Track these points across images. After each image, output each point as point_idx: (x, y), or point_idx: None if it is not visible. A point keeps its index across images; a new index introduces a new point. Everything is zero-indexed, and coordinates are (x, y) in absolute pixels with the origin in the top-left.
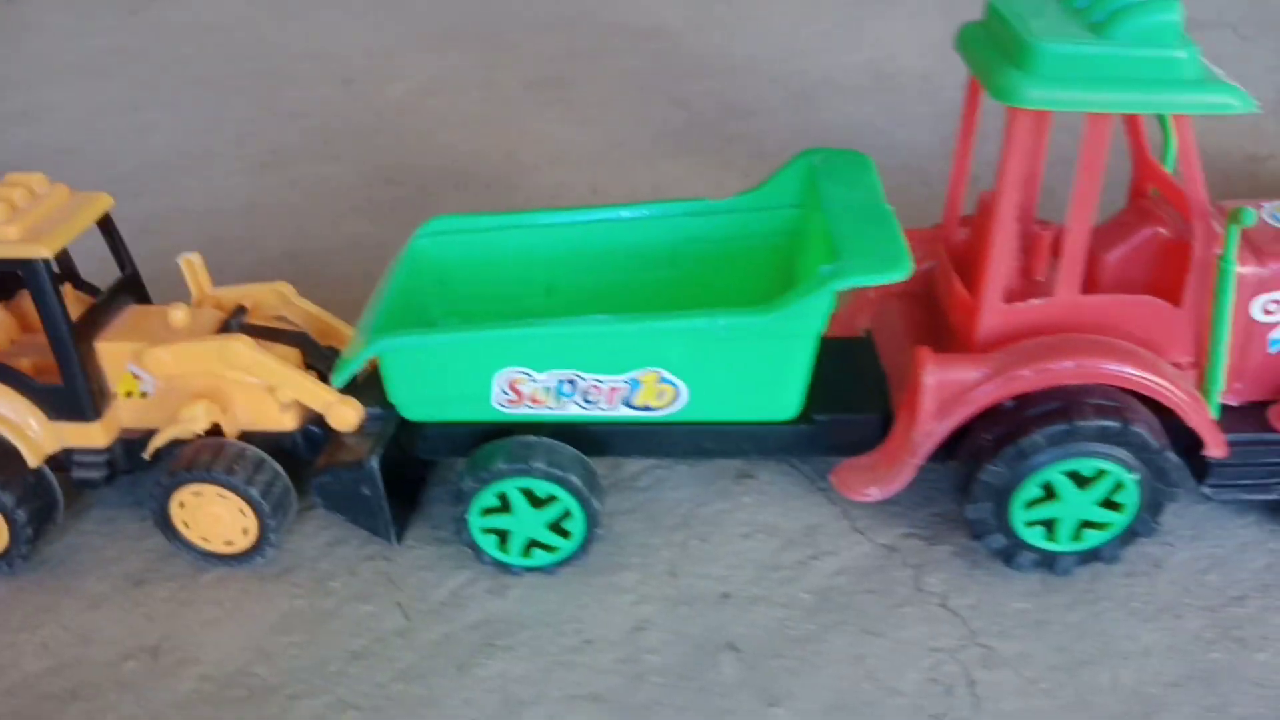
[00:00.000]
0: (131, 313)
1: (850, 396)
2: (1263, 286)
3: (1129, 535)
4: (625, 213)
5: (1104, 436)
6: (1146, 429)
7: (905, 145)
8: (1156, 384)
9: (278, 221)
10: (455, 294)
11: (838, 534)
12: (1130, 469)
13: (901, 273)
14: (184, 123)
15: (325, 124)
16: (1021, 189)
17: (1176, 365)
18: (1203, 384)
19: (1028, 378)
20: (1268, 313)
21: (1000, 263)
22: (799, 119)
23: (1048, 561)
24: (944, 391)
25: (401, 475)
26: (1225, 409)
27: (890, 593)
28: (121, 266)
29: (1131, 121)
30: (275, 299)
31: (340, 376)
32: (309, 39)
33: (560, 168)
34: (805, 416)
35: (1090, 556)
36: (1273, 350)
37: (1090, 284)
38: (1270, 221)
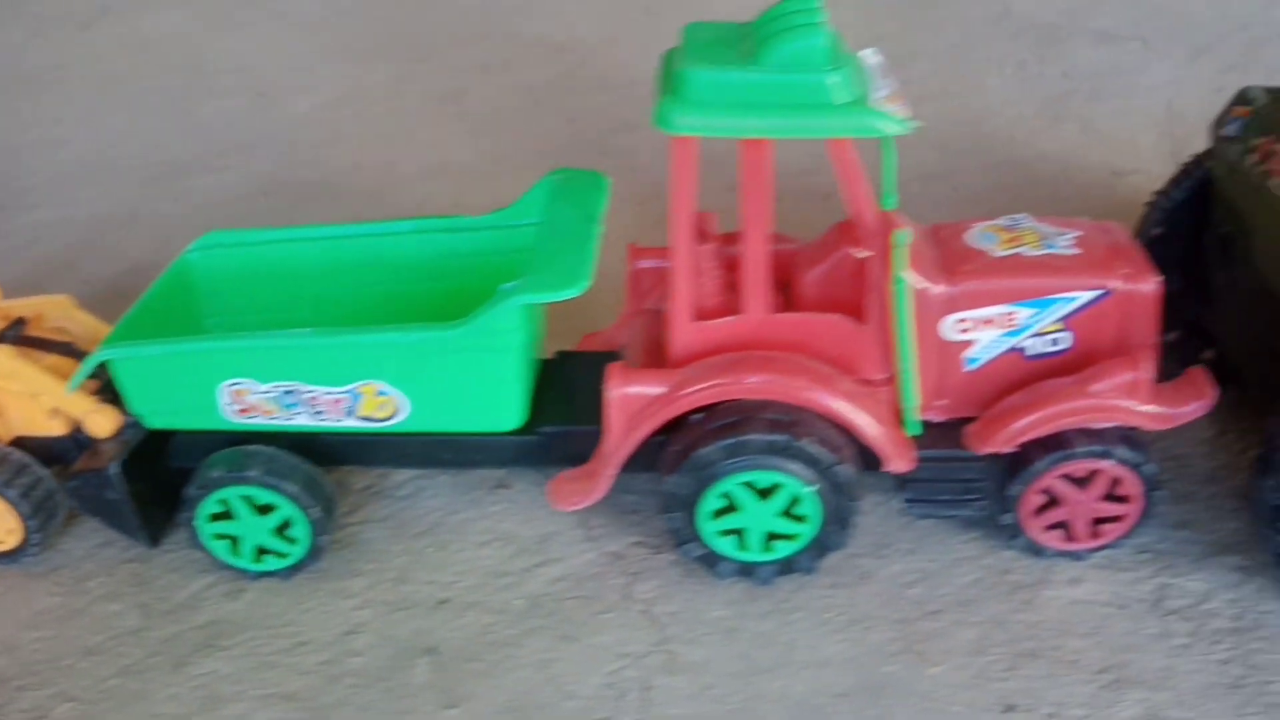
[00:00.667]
0: None
1: (581, 409)
2: (952, 306)
3: (820, 547)
4: (390, 228)
5: (774, 450)
6: (819, 444)
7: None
8: (821, 399)
9: (152, 233)
10: (229, 307)
11: (570, 542)
12: (806, 482)
13: (576, 291)
14: (97, 136)
15: (227, 136)
16: (693, 212)
17: (869, 382)
18: (898, 400)
19: (698, 393)
20: (960, 331)
21: (684, 283)
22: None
23: (748, 571)
24: (629, 405)
25: (160, 481)
26: (930, 425)
27: (599, 599)
28: None
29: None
30: (58, 311)
31: (72, 383)
32: (240, 54)
33: (435, 181)
34: (531, 428)
35: (788, 567)
36: (969, 368)
37: (795, 302)
38: (973, 243)
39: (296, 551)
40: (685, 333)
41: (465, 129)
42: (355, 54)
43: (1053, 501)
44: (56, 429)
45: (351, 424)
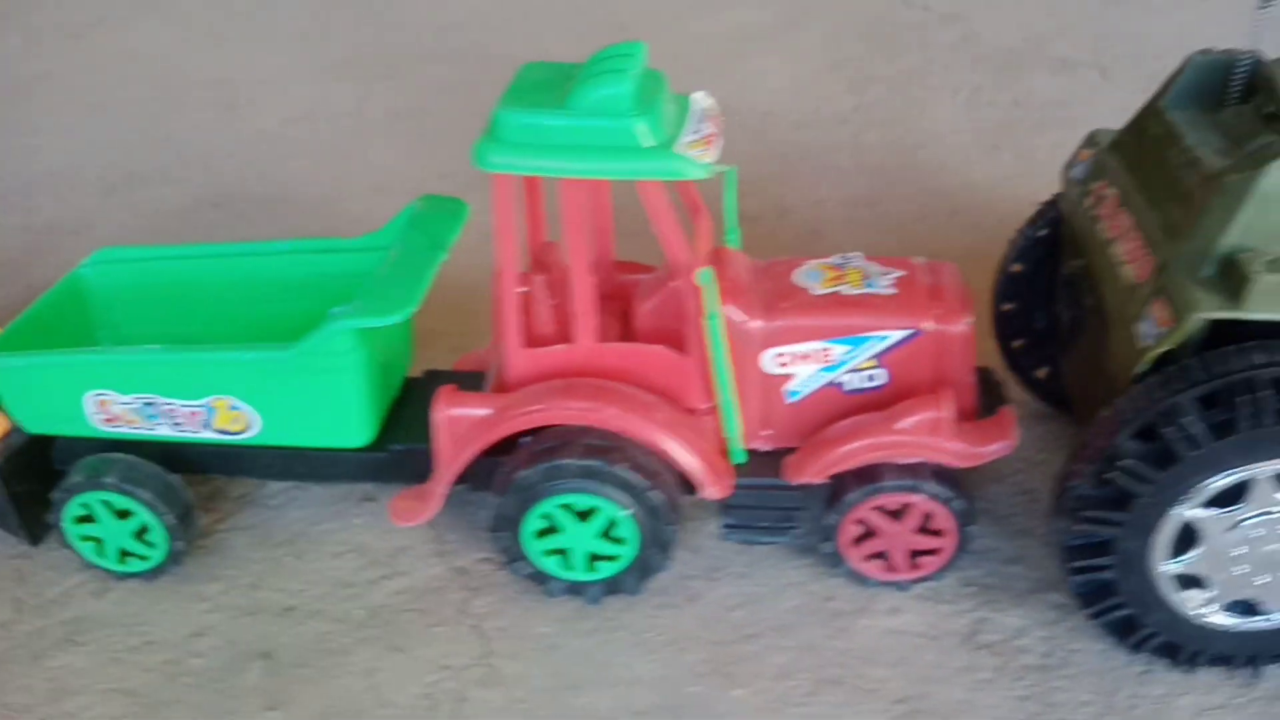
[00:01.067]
0: None
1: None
2: (771, 340)
3: (642, 569)
4: (272, 248)
5: (588, 474)
6: (632, 469)
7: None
8: (634, 426)
9: (101, 241)
10: (120, 321)
11: (420, 556)
12: (621, 506)
13: (398, 318)
14: (69, 145)
15: (190, 149)
16: (516, 245)
17: (693, 411)
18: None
19: (518, 418)
20: (780, 365)
21: (510, 313)
22: None
23: (577, 589)
24: (456, 427)
25: (44, 483)
26: (757, 454)
27: (435, 613)
28: None
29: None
30: None
31: None
32: (218, 68)
33: (376, 196)
34: (381, 445)
35: (614, 587)
36: (791, 400)
37: (633, 332)
38: (798, 280)
39: (155, 555)
40: (517, 359)
41: (418, 146)
42: (327, 70)
43: (871, 532)
44: None
45: (209, 435)
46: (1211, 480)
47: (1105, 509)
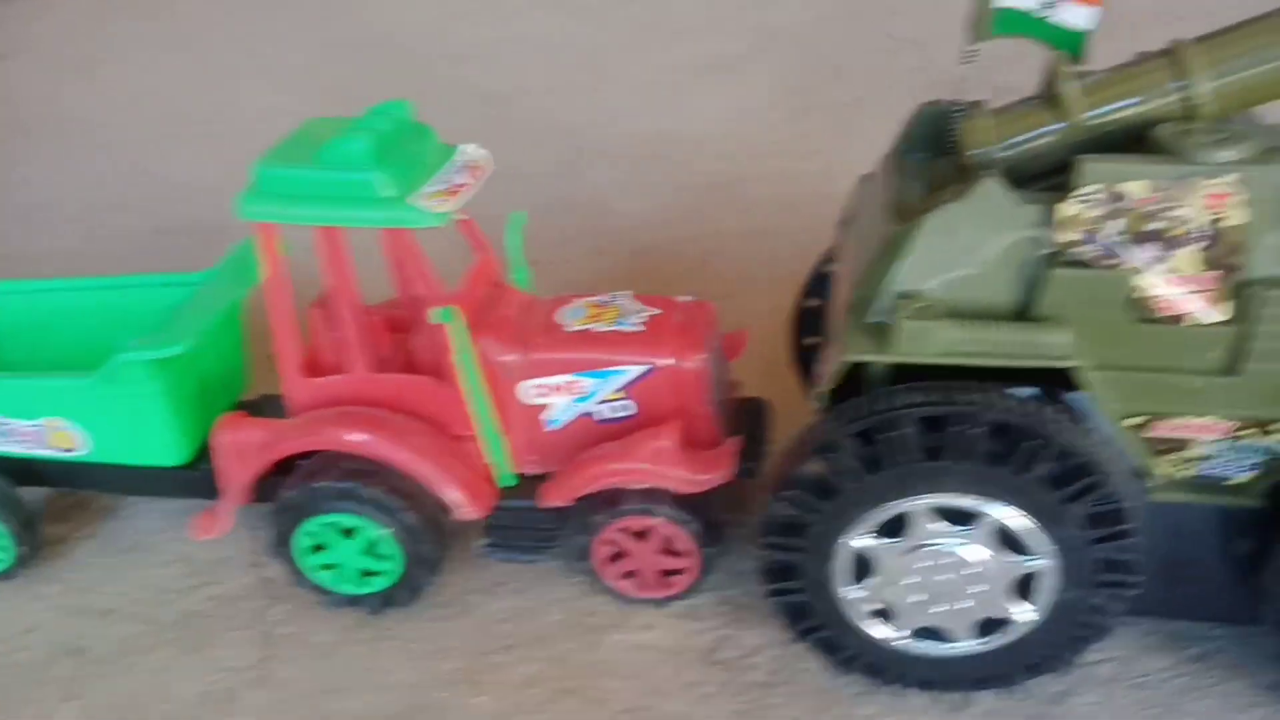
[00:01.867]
0: None
1: None
2: (528, 372)
3: (412, 583)
4: (120, 282)
5: (344, 496)
6: (387, 492)
7: (626, 212)
8: (385, 452)
9: (48, 269)
10: (14, 346)
11: (237, 566)
12: (380, 524)
13: (168, 352)
14: (51, 175)
15: (153, 179)
16: (286, 284)
17: (458, 437)
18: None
19: (286, 443)
20: (537, 396)
21: (286, 344)
22: (542, 185)
23: (356, 601)
24: (236, 449)
25: None
26: (526, 478)
27: (234, 619)
28: None
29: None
30: None
31: None
32: (217, 104)
33: None
34: (197, 464)
35: (389, 600)
36: (550, 429)
37: (412, 363)
38: (560, 316)
39: (5, 559)
40: (295, 387)
41: None
42: (311, 103)
43: (622, 553)
44: None
45: (47, 453)
46: (871, 512)
47: (784, 535)
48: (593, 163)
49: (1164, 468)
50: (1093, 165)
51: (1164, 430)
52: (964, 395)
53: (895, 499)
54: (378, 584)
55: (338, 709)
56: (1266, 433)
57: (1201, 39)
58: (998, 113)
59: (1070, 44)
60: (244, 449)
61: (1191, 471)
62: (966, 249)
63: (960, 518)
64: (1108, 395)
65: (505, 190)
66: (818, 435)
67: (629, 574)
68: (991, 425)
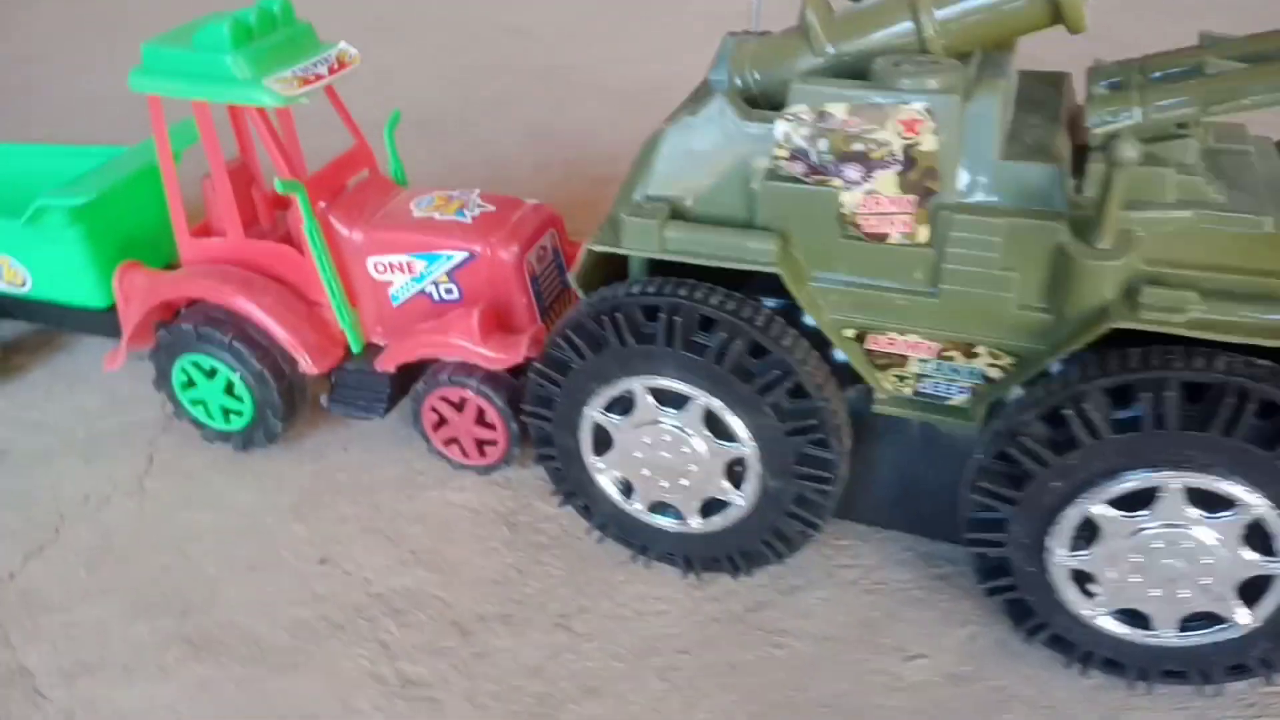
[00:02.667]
0: None
1: None
2: (370, 250)
3: (265, 427)
4: (71, 151)
5: (204, 339)
6: (239, 340)
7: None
8: (240, 305)
9: None
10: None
11: (151, 402)
12: (233, 368)
13: (75, 202)
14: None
15: None
16: (168, 152)
17: (315, 303)
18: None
19: (164, 289)
20: (380, 272)
21: (175, 207)
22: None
23: (225, 438)
24: (128, 293)
25: None
26: (374, 346)
27: (130, 442)
28: None
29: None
30: None
31: None
32: None
33: None
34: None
35: (249, 440)
36: (395, 304)
37: (287, 236)
38: (411, 203)
39: None
40: (184, 246)
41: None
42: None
43: (445, 420)
44: None
45: (3, 286)
46: (602, 387)
47: (538, 405)
48: (585, 100)
49: (888, 382)
50: (798, 86)
51: (880, 345)
52: (676, 289)
53: (619, 377)
54: (236, 423)
55: (186, 518)
56: (970, 355)
57: None
58: (761, 42)
59: None
60: (134, 293)
61: (911, 389)
62: (699, 161)
63: (678, 402)
64: (827, 306)
65: (499, 115)
66: (567, 318)
67: (452, 440)
68: (700, 318)
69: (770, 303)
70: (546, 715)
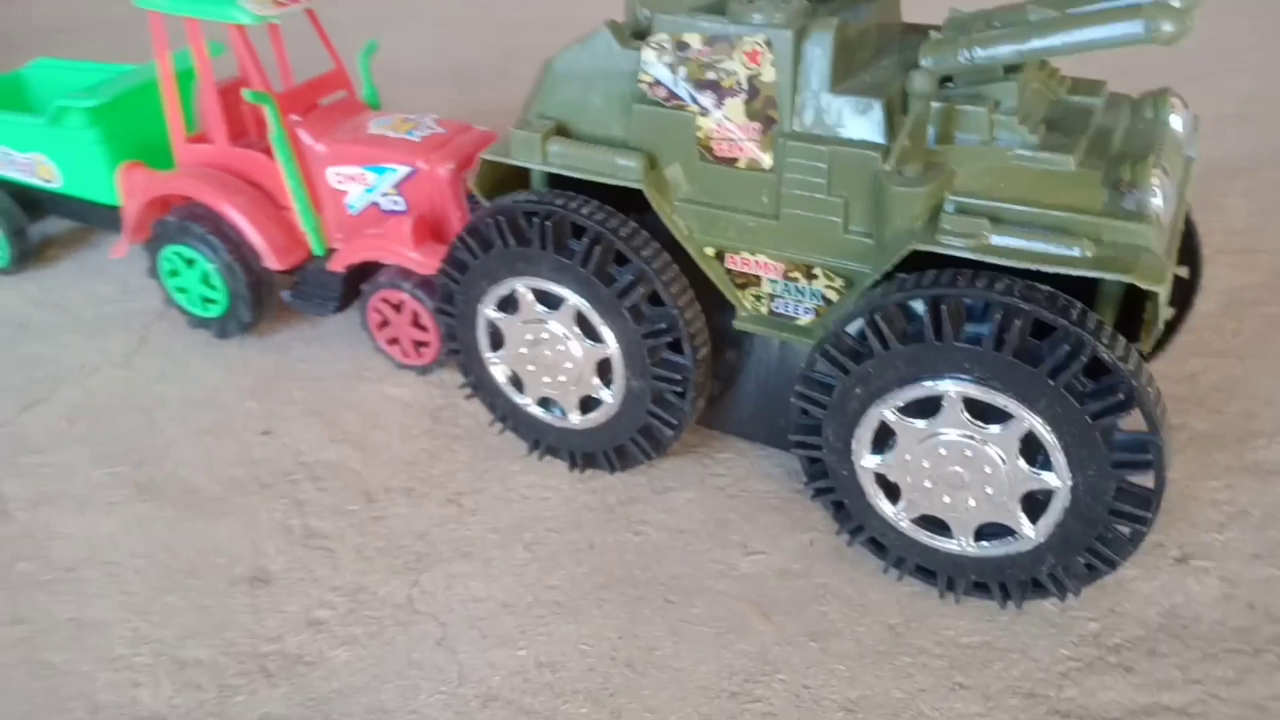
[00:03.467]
0: None
1: None
2: (329, 161)
3: (237, 317)
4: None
5: (184, 231)
6: (214, 233)
7: None
8: (215, 204)
9: None
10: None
11: (154, 292)
12: (208, 259)
13: (89, 104)
14: None
15: None
16: (169, 67)
17: (284, 207)
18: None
19: (156, 186)
20: (338, 182)
21: (175, 117)
22: None
23: (205, 324)
24: (129, 188)
25: None
26: (334, 250)
27: (128, 324)
28: None
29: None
30: None
31: None
32: None
33: None
34: None
35: (223, 330)
36: (351, 213)
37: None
38: (370, 122)
39: (3, 257)
40: (178, 150)
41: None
42: None
43: (387, 321)
44: None
45: (37, 181)
46: (491, 286)
47: (443, 301)
48: None
49: (747, 301)
50: (660, 16)
51: (736, 264)
52: (555, 199)
53: (505, 277)
54: (213, 310)
55: (159, 390)
56: (810, 277)
57: None
58: None
59: None
60: (134, 189)
61: (766, 308)
62: (585, 85)
63: (555, 303)
64: (691, 225)
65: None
66: (467, 224)
67: (394, 341)
68: (572, 225)
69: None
70: (419, 569)
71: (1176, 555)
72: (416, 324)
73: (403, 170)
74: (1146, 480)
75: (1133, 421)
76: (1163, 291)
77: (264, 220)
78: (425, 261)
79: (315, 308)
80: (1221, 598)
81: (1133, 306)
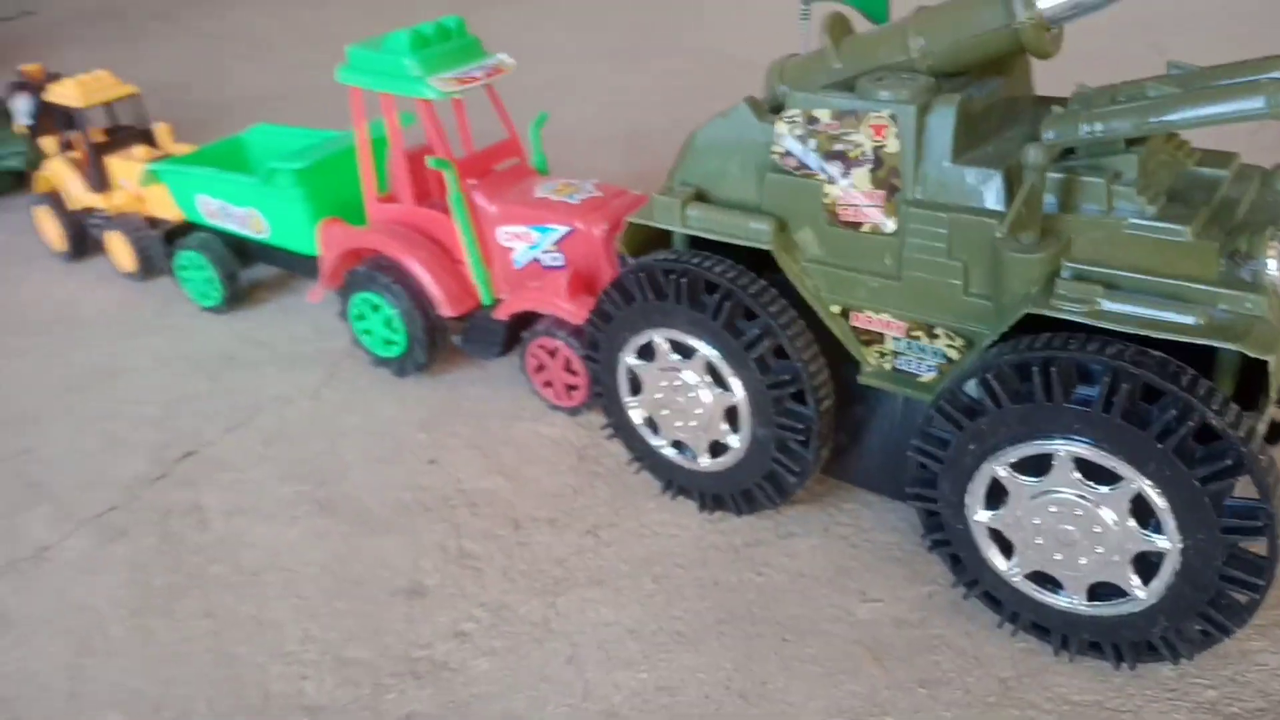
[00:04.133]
0: None
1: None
2: (499, 220)
3: (414, 358)
4: (307, 133)
5: (371, 280)
6: (395, 281)
7: None
8: (398, 257)
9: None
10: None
11: (345, 334)
12: (391, 305)
13: (295, 167)
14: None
15: None
16: (365, 137)
17: (458, 261)
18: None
19: (350, 241)
20: (507, 240)
21: (368, 179)
22: None
23: (386, 363)
24: (327, 241)
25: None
26: (501, 300)
27: (319, 362)
28: None
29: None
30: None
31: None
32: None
33: None
34: None
35: (402, 369)
36: (517, 267)
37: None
38: (536, 187)
39: (216, 297)
40: (370, 208)
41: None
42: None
43: (542, 365)
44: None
45: (250, 233)
46: (631, 336)
47: (590, 349)
48: None
49: (871, 357)
50: (793, 93)
51: (861, 322)
52: (691, 258)
53: (644, 328)
54: (393, 351)
55: (343, 420)
56: (932, 336)
57: (927, 9)
58: (793, 61)
59: (874, 9)
60: (331, 242)
61: (890, 365)
62: (724, 155)
63: (689, 352)
64: (818, 285)
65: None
66: (614, 279)
67: (548, 384)
68: (705, 282)
69: None
70: (557, 592)
71: None
72: (568, 369)
73: (562, 230)
74: (1261, 548)
75: (1250, 489)
76: (1273, 360)
77: (441, 272)
78: (578, 312)
79: (481, 351)
80: None
81: (1254, 377)
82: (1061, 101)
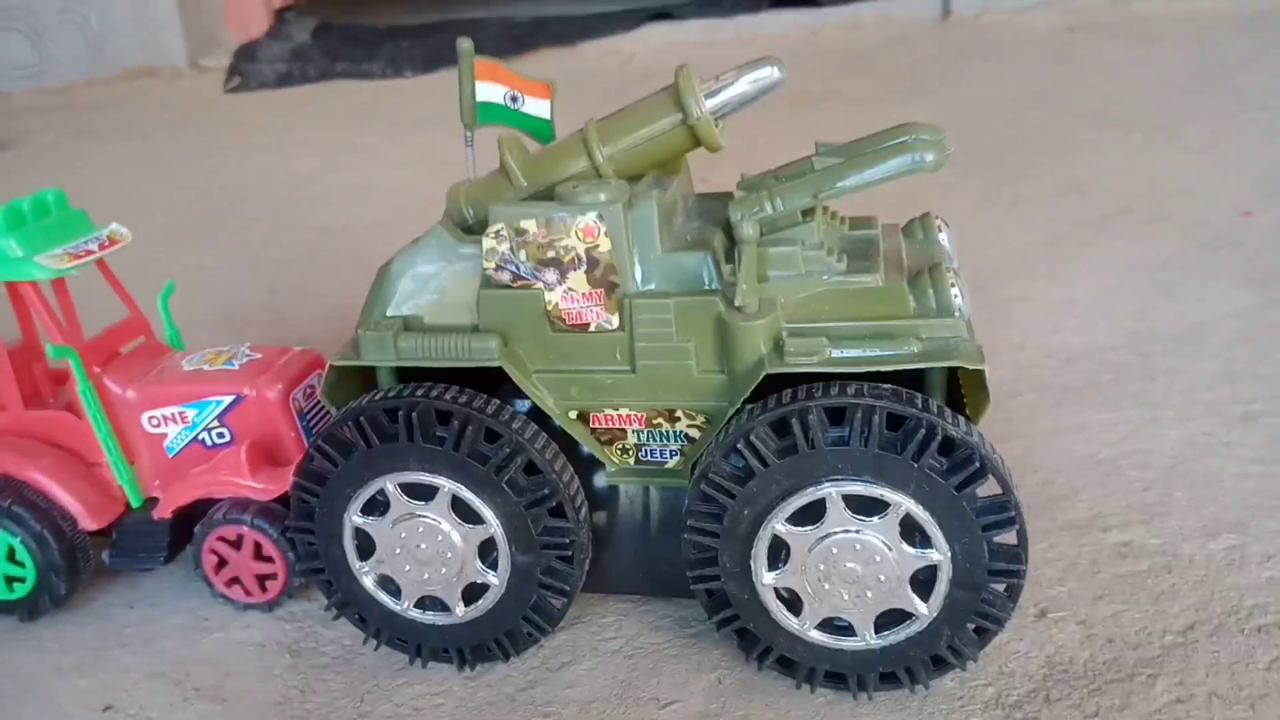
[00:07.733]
0: None
1: None
2: (144, 405)
3: (49, 590)
4: None
5: None
6: (20, 505)
7: None
8: (20, 472)
9: None
10: None
11: None
12: (13, 533)
13: None
14: None
15: None
16: None
17: (95, 464)
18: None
19: None
20: (154, 426)
21: None
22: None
23: (10, 609)
24: None
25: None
26: (153, 499)
27: None
28: None
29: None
30: None
31: None
32: None
33: None
34: None
35: (34, 609)
36: (171, 455)
37: (70, 404)
38: (183, 360)
39: None
40: None
41: None
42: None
43: (225, 560)
44: None
45: None
46: (359, 489)
47: (311, 482)
48: None
49: (615, 455)
50: (496, 208)
51: (600, 422)
52: (414, 390)
53: (370, 478)
54: (20, 590)
55: None
56: (673, 420)
57: (601, 120)
58: (473, 184)
59: (540, 130)
60: None
61: (633, 458)
62: (425, 282)
63: (427, 494)
64: (551, 393)
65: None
66: (319, 433)
67: (234, 581)
68: (437, 412)
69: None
70: None
71: (1035, 612)
72: (259, 557)
73: (227, 399)
74: (1010, 537)
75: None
76: (986, 368)
77: (74, 480)
78: (266, 487)
79: (141, 562)
80: (1084, 639)
81: (954, 391)
82: (724, 195)
